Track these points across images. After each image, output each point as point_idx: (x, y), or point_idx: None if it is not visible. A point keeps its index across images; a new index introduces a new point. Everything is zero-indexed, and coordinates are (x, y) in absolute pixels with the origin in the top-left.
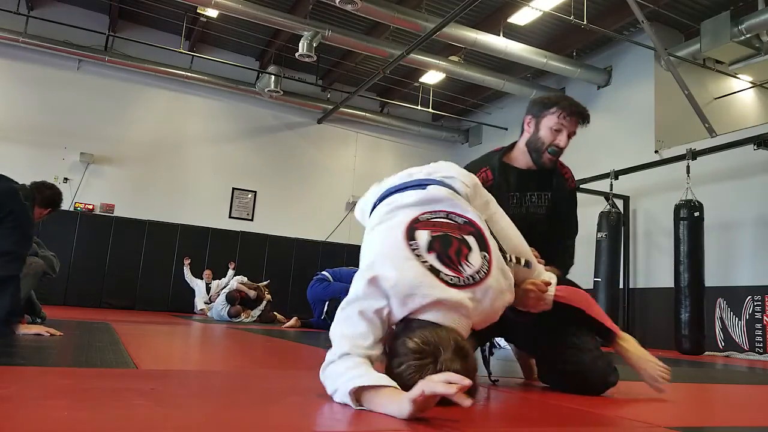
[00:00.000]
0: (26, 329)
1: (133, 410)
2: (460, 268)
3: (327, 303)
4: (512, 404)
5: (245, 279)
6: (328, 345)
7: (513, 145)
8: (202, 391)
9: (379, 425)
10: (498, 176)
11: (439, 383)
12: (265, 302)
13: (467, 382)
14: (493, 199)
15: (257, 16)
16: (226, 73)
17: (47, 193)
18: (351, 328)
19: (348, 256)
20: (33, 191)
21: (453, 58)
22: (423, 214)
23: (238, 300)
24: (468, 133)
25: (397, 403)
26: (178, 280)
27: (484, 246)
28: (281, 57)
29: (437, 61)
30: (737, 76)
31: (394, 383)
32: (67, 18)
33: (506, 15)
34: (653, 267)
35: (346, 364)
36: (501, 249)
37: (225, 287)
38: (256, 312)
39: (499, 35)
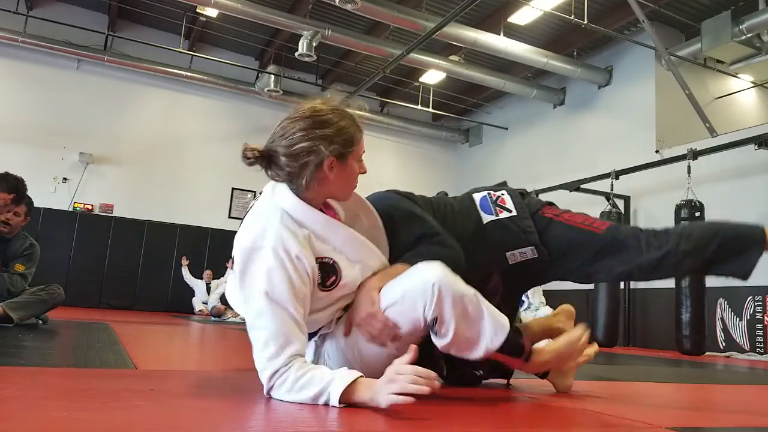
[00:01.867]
0: None
1: (133, 410)
2: None
3: None
4: (512, 404)
5: None
6: None
7: None
8: (201, 391)
9: (382, 426)
10: None
11: (408, 382)
12: None
13: (435, 382)
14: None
15: (257, 15)
16: (226, 72)
17: (11, 181)
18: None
19: None
20: None
21: (453, 57)
22: None
23: None
24: (468, 132)
25: (374, 397)
26: (178, 280)
27: None
28: (281, 56)
29: (437, 61)
30: (738, 75)
31: (357, 373)
32: (67, 17)
33: (507, 14)
34: None
35: (294, 378)
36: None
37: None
38: None
39: (499, 35)
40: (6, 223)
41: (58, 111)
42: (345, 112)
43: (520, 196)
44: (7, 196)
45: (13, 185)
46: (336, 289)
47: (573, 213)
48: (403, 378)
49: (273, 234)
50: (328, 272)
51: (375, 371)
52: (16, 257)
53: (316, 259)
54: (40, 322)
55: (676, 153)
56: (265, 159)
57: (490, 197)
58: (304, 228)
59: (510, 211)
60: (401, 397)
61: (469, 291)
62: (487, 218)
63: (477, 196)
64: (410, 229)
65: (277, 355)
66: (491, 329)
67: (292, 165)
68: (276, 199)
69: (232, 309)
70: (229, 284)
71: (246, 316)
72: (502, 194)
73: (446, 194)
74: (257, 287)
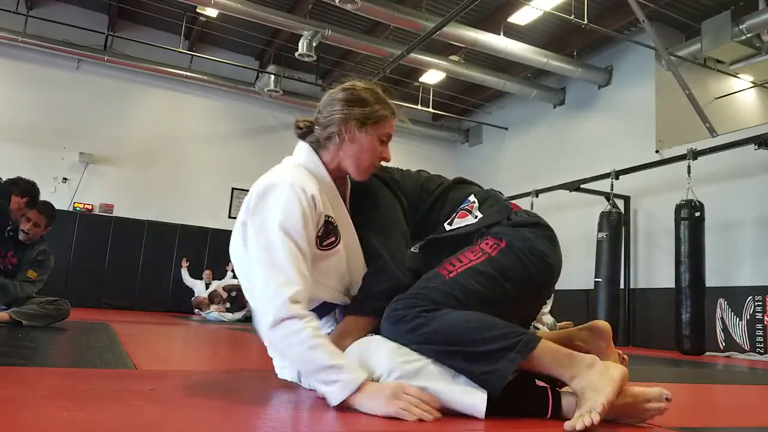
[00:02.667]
0: None
1: (133, 411)
2: None
3: None
4: None
5: None
6: None
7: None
8: (201, 391)
9: (383, 427)
10: None
11: (412, 403)
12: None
13: (436, 413)
14: None
15: (257, 15)
16: (226, 72)
17: (24, 186)
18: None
19: None
20: (9, 185)
21: (453, 57)
22: None
23: (218, 298)
24: (468, 132)
25: (372, 407)
26: (178, 280)
27: None
28: (281, 56)
29: (437, 61)
30: (738, 75)
31: (364, 375)
32: (67, 17)
33: (507, 14)
34: (654, 267)
35: (311, 333)
36: None
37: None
38: (238, 315)
39: (499, 35)
40: (26, 232)
41: (58, 111)
42: (380, 95)
43: (492, 216)
44: (20, 199)
45: (26, 189)
46: (328, 255)
47: (466, 256)
48: (406, 400)
49: (291, 175)
50: (329, 232)
51: None
52: (30, 262)
53: (324, 221)
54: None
55: (676, 153)
56: (309, 129)
57: (466, 205)
58: (318, 182)
59: (449, 224)
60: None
61: (426, 376)
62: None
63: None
64: (381, 231)
65: (282, 288)
66: (468, 403)
67: (321, 132)
68: (295, 157)
69: (215, 302)
70: (233, 238)
71: (251, 249)
72: (470, 210)
73: (464, 181)
74: (271, 218)
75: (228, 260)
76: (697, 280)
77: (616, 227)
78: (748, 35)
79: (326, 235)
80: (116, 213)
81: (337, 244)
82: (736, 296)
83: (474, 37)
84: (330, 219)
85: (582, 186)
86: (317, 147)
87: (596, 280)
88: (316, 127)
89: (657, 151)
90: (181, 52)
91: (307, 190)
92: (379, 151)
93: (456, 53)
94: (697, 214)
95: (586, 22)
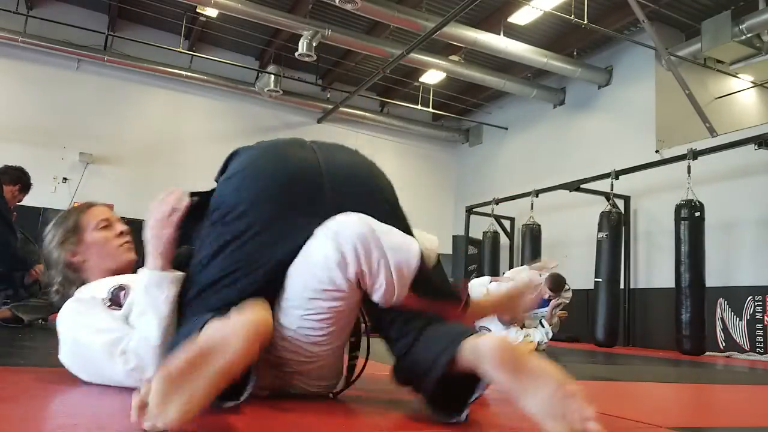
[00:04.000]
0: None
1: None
2: None
3: None
4: (506, 403)
5: None
6: None
7: None
8: None
9: (376, 425)
10: None
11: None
12: None
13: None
14: None
15: (257, 15)
16: (226, 72)
17: (13, 173)
18: None
19: None
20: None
21: (453, 57)
22: None
23: None
24: (468, 132)
25: None
26: None
27: None
28: (281, 56)
29: (437, 61)
30: (738, 75)
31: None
32: (67, 17)
33: (507, 14)
34: (654, 267)
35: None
36: None
37: None
38: None
39: (499, 35)
40: None
41: (58, 111)
42: (68, 212)
43: None
44: (13, 187)
45: (16, 176)
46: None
47: None
48: None
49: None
50: (116, 294)
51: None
52: None
53: (109, 291)
54: (42, 321)
55: (676, 153)
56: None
57: None
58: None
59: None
60: None
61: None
62: None
63: None
64: None
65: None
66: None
67: (59, 278)
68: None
69: None
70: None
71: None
72: None
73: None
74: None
75: None
76: (697, 280)
77: (616, 227)
78: (748, 35)
79: (116, 299)
80: (116, 213)
81: (126, 297)
82: (736, 296)
83: (474, 37)
84: (115, 287)
85: (582, 186)
86: (77, 282)
87: (596, 280)
88: (56, 279)
89: (657, 151)
90: (181, 52)
91: (84, 293)
92: (110, 235)
93: (456, 53)
94: (697, 214)
95: (586, 22)
